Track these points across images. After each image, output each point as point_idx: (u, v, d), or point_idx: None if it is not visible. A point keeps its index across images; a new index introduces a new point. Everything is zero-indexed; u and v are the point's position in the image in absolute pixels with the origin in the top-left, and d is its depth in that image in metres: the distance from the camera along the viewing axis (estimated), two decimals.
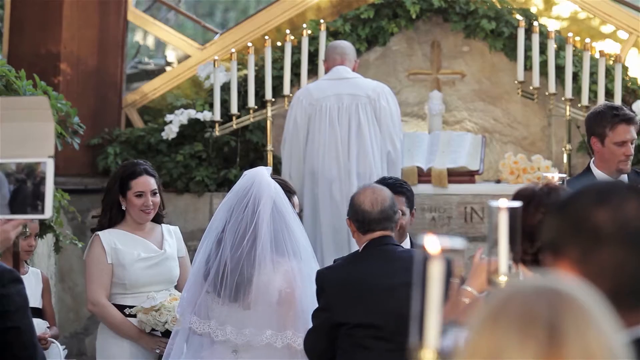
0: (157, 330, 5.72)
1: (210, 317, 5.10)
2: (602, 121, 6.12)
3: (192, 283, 5.19)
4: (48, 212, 3.30)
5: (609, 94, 8.51)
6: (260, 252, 5.03)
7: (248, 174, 5.23)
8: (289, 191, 5.29)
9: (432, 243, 1.99)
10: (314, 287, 5.06)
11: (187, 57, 9.80)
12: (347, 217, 5.14)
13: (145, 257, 5.84)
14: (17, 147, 3.32)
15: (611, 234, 2.20)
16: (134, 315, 5.73)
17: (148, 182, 5.88)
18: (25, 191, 3.30)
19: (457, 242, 2.09)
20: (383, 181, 5.80)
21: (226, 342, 5.07)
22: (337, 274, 5.05)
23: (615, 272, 2.19)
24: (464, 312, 3.35)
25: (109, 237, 5.84)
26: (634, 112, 6.44)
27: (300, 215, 5.57)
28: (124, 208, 5.89)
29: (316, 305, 5.04)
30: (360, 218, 5.04)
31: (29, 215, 3.35)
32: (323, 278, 5.02)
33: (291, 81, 8.67)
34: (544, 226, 2.31)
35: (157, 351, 5.76)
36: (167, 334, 5.74)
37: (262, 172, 5.21)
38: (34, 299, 5.97)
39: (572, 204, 2.26)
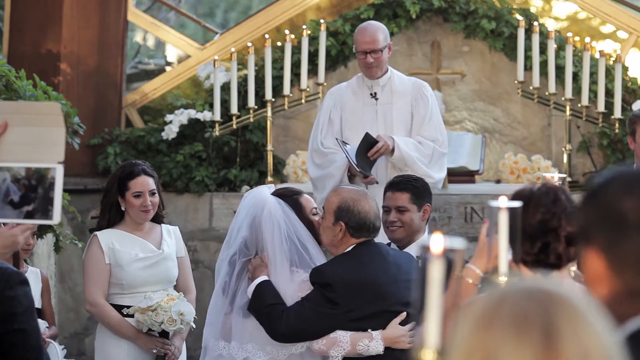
0: (154, 330, 5.73)
1: (233, 336, 5.13)
2: (636, 119, 6.30)
3: (213, 312, 5.23)
4: (57, 218, 3.30)
5: (609, 94, 8.51)
6: (271, 270, 5.06)
7: (246, 196, 5.26)
8: (296, 193, 5.28)
9: (436, 242, 1.98)
10: None
11: (187, 57, 9.80)
12: (340, 220, 5.11)
13: (143, 257, 5.84)
14: (28, 151, 3.33)
15: (636, 223, 2.19)
16: (132, 315, 5.73)
17: (146, 182, 5.88)
18: (33, 196, 3.30)
19: (457, 242, 2.09)
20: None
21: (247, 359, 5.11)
22: (344, 272, 5.03)
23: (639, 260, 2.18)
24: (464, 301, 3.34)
25: (107, 237, 5.85)
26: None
27: None
28: (123, 209, 5.89)
29: None
30: (363, 225, 5.06)
31: (37, 220, 3.35)
32: (328, 275, 4.99)
33: (291, 81, 8.67)
34: (576, 214, 2.31)
35: (154, 351, 5.76)
36: (164, 334, 5.75)
37: (259, 191, 5.23)
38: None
39: (601, 193, 2.25)
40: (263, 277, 5.04)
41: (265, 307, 4.98)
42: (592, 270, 2.21)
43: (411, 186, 5.86)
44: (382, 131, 7.07)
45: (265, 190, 5.25)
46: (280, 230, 5.09)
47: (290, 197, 5.21)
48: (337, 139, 7.02)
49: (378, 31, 7.08)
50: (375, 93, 7.14)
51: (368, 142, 6.85)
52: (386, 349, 5.01)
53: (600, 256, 2.20)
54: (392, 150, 6.92)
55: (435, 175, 7.04)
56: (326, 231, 5.13)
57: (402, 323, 5.03)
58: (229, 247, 5.21)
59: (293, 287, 5.04)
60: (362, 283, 5.00)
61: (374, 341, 5.00)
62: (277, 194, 5.22)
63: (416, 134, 7.11)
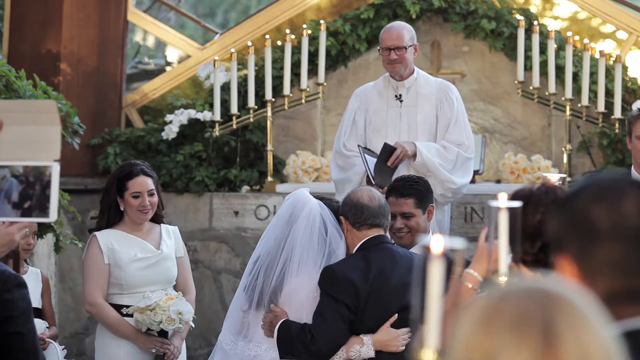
0: (153, 330, 5.73)
1: (250, 332, 5.12)
2: (633, 120, 6.35)
3: (233, 308, 5.23)
4: (53, 215, 3.31)
5: (609, 94, 8.51)
6: (293, 268, 5.05)
7: (288, 198, 5.24)
8: (337, 201, 5.31)
9: (436, 243, 1.99)
10: None
11: (187, 57, 9.80)
12: (341, 215, 5.12)
13: (142, 258, 5.84)
14: (24, 150, 3.33)
15: (607, 230, 2.20)
16: (131, 315, 5.74)
17: (145, 183, 5.88)
18: (30, 194, 3.30)
19: (457, 242, 2.09)
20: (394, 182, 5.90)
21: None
22: (357, 274, 5.00)
23: (613, 268, 2.19)
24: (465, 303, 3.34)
25: (106, 238, 5.85)
26: None
27: None
28: (122, 209, 5.90)
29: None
30: (358, 212, 5.04)
31: (34, 218, 3.35)
32: (340, 276, 4.96)
33: (291, 81, 8.67)
34: (548, 222, 2.32)
35: (154, 351, 5.77)
36: (163, 333, 5.76)
37: (301, 192, 5.22)
38: (34, 299, 5.96)
39: (572, 201, 2.26)
40: (281, 320, 5.04)
41: (295, 336, 4.98)
42: (566, 278, 2.22)
43: (414, 190, 5.73)
44: (406, 134, 7.05)
45: (307, 192, 5.25)
46: (315, 228, 5.08)
47: (332, 202, 5.25)
48: (359, 145, 6.99)
49: (404, 30, 7.11)
50: (400, 95, 7.13)
51: (387, 151, 6.83)
52: (377, 352, 4.99)
53: (572, 264, 2.22)
54: (414, 156, 6.89)
55: (457, 181, 6.97)
56: (346, 237, 5.16)
57: (397, 326, 5.00)
58: (259, 245, 5.22)
59: (310, 284, 5.04)
60: (367, 283, 4.98)
61: (364, 346, 4.99)
62: (319, 198, 5.25)
63: (441, 138, 7.08)
